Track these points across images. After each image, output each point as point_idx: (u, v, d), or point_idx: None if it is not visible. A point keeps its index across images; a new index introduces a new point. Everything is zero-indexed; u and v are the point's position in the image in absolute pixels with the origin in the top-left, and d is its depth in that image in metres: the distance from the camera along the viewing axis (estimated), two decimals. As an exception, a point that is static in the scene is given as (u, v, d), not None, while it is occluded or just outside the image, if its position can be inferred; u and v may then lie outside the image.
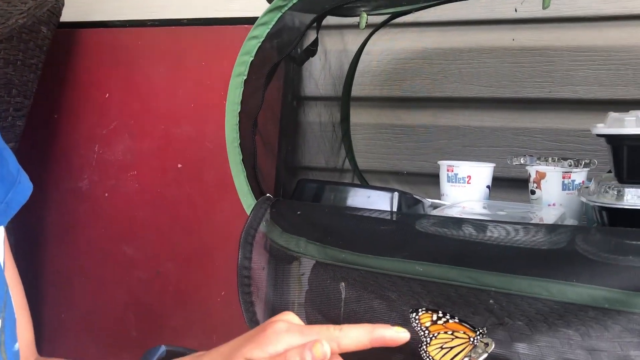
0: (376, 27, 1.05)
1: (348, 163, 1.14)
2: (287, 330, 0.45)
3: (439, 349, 0.56)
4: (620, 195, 0.66)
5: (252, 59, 0.75)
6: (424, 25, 1.11)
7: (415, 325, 0.57)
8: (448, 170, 0.94)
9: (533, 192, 0.89)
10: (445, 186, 0.95)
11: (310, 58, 0.98)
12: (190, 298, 1.19)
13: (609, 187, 0.67)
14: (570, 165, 0.87)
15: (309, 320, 0.70)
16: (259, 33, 0.75)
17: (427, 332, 0.57)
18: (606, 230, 0.65)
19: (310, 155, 1.20)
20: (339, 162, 1.17)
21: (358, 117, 1.15)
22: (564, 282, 0.58)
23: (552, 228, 0.67)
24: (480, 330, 0.55)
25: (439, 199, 0.97)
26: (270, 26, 0.75)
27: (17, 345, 0.57)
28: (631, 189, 0.66)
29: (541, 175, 0.88)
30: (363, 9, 0.92)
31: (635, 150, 0.67)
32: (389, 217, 0.77)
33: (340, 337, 0.44)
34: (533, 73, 1.07)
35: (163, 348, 0.58)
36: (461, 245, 0.66)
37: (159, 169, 1.23)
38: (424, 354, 0.56)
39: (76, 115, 1.29)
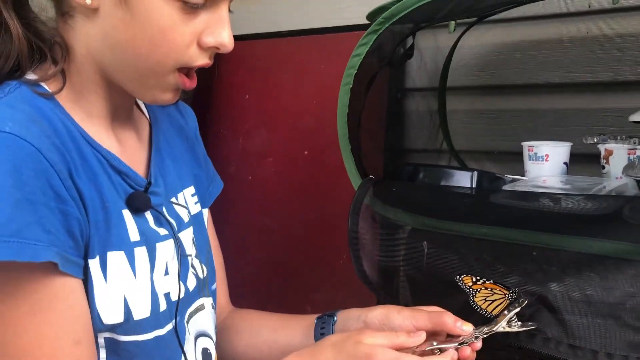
0: (466, 28, 1.21)
1: (446, 145, 1.32)
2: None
3: (484, 301, 0.73)
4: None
5: (356, 71, 0.96)
6: (510, 21, 1.24)
7: (461, 284, 0.74)
8: (529, 150, 1.08)
9: (603, 167, 1.02)
10: (527, 164, 1.09)
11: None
12: (319, 260, 1.44)
13: (646, 163, 0.81)
14: (635, 143, 0.99)
15: (405, 270, 0.92)
16: (361, 52, 0.95)
17: (471, 289, 0.73)
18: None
19: (413, 139, 1.39)
20: (437, 144, 1.35)
21: (454, 105, 1.30)
22: (603, 240, 0.73)
23: (604, 198, 0.82)
24: (512, 289, 0.71)
25: (524, 175, 1.12)
26: (369, 45, 0.95)
27: (214, 286, 0.85)
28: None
29: (609, 152, 1.00)
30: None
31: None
32: (469, 192, 0.96)
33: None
34: (610, 58, 1.16)
35: None
36: (524, 212, 0.84)
37: (289, 156, 1.47)
38: (473, 304, 0.74)
39: (223, 113, 1.59)
